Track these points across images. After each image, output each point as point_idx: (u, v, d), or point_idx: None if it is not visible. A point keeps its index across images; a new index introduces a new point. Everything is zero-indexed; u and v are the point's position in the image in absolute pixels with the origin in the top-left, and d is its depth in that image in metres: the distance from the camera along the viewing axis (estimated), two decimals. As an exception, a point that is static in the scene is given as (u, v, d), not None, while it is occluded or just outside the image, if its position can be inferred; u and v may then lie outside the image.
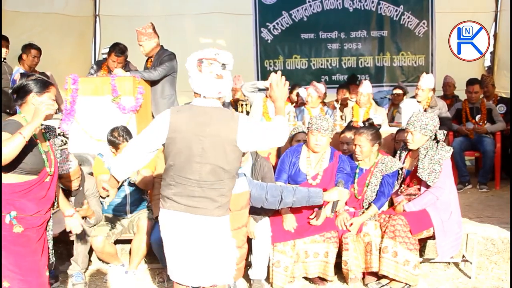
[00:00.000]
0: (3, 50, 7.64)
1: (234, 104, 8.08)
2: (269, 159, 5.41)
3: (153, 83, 6.53)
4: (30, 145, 3.41)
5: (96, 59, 10.29)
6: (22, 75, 3.71)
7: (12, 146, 3.26)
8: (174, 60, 6.59)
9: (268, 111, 7.07)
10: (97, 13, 10.79)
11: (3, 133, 3.34)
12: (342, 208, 4.85)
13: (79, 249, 4.99)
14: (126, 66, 7.05)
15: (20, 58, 7.81)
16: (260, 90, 7.12)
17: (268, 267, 4.79)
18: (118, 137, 5.15)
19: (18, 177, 3.45)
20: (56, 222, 4.72)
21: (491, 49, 10.27)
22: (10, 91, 3.37)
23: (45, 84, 3.55)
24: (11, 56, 7.77)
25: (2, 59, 7.63)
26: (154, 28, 6.57)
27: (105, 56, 7.33)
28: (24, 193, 3.47)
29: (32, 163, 3.47)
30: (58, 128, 6.19)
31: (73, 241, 5.07)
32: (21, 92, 3.51)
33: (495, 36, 10.44)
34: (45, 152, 3.58)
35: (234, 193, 4.18)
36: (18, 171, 3.44)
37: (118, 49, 6.89)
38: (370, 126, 5.15)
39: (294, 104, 8.06)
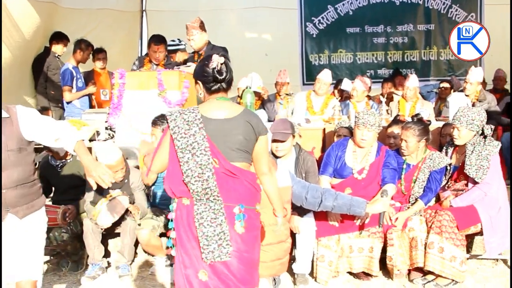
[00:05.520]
0: (61, 47, 7.84)
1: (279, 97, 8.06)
2: (313, 154, 5.39)
3: None
4: None
5: (142, 54, 10.42)
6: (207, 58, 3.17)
7: None
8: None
9: (313, 105, 7.03)
10: (144, 8, 10.95)
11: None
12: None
13: (125, 242, 5.08)
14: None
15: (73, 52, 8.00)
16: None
17: (312, 261, 4.78)
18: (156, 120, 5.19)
19: None
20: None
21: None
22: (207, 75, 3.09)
23: None
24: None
25: (57, 56, 7.83)
26: (202, 23, 6.51)
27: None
28: None
29: None
30: (106, 122, 6.32)
31: (119, 233, 5.17)
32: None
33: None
34: None
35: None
36: None
37: (156, 38, 6.89)
38: (419, 121, 5.03)
39: (340, 98, 8.01)
